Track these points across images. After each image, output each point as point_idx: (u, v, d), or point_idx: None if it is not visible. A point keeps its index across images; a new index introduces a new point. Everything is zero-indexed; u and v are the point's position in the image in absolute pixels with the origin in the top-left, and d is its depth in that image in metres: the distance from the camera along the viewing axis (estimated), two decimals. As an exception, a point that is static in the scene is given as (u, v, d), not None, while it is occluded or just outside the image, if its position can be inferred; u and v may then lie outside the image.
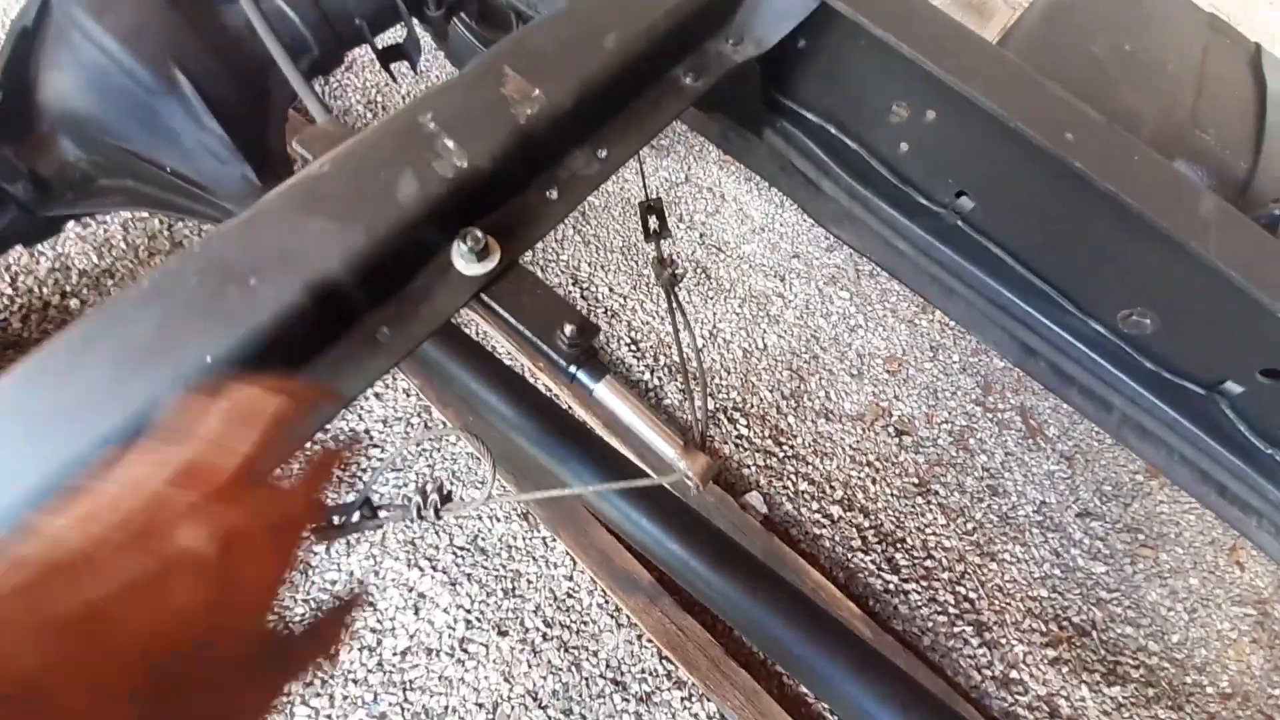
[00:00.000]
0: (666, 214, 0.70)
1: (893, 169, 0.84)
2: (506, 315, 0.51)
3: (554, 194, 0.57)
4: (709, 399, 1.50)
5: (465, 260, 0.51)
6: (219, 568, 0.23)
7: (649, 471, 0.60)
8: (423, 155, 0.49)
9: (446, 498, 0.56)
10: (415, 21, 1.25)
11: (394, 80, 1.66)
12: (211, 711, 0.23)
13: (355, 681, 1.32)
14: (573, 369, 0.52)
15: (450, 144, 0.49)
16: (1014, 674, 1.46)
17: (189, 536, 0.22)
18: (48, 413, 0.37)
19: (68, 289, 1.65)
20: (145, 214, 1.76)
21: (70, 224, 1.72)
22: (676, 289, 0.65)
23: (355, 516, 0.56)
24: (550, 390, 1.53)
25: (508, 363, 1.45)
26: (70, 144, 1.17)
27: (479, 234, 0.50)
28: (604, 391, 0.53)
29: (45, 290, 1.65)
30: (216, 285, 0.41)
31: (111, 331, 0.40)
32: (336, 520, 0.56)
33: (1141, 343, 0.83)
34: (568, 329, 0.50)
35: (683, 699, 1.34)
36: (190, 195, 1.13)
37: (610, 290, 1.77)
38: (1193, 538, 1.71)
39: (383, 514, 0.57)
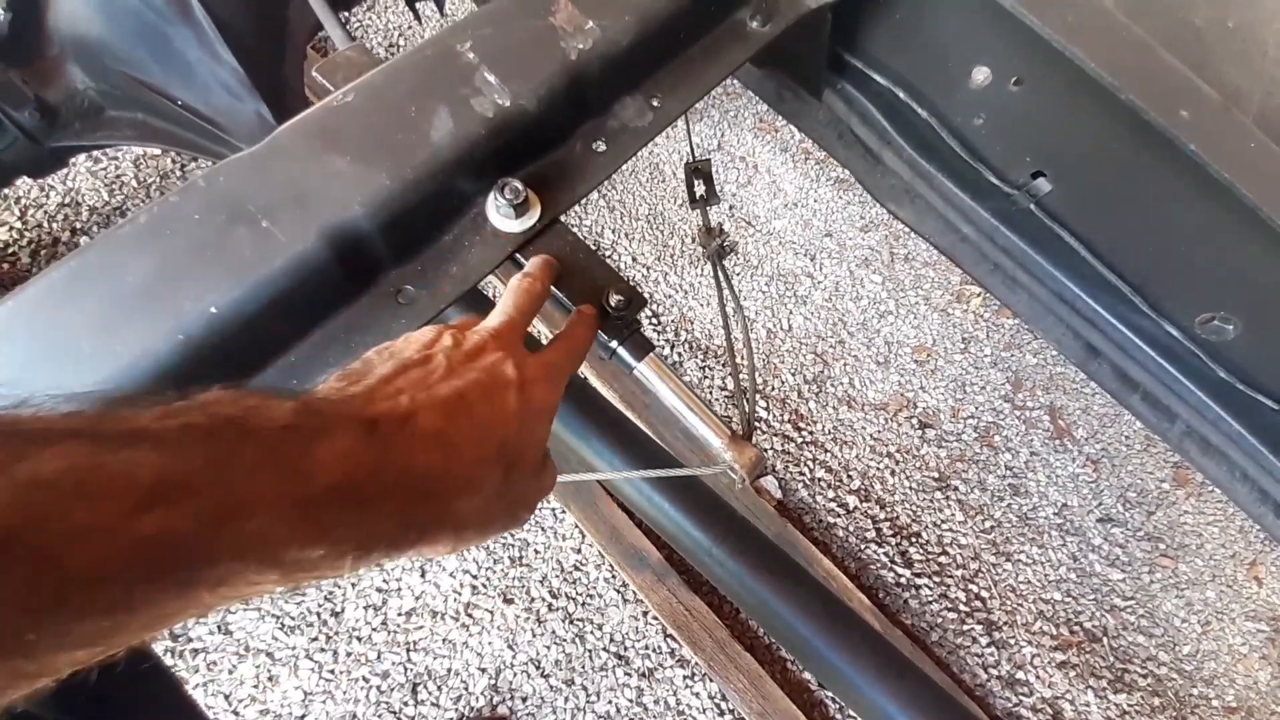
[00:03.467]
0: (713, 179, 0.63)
1: (964, 142, 0.76)
2: (544, 280, 0.46)
3: (601, 146, 0.50)
4: (755, 385, 1.45)
5: (502, 214, 0.45)
6: (519, 387, 0.33)
7: (682, 461, 0.55)
8: (460, 90, 0.42)
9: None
10: (445, -45, 1.16)
11: (418, 20, 1.56)
12: (526, 489, 0.35)
13: (359, 639, 1.32)
14: (614, 343, 0.47)
15: (491, 79, 0.43)
16: (1020, 675, 1.44)
17: (503, 364, 0.34)
18: (25, 363, 0.32)
19: (78, 225, 1.60)
20: (157, 151, 1.70)
21: (81, 159, 1.67)
22: (724, 261, 0.59)
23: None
24: (567, 359, 1.48)
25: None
26: (79, 71, 1.11)
27: (519, 185, 0.44)
28: (646, 370, 0.48)
29: (55, 226, 1.60)
30: (223, 225, 0.36)
31: (103, 272, 0.35)
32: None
33: (1218, 350, 0.76)
34: (613, 299, 0.45)
35: (685, 677, 1.33)
36: (202, 131, 1.07)
37: (634, 260, 1.70)
38: (1214, 550, 1.66)
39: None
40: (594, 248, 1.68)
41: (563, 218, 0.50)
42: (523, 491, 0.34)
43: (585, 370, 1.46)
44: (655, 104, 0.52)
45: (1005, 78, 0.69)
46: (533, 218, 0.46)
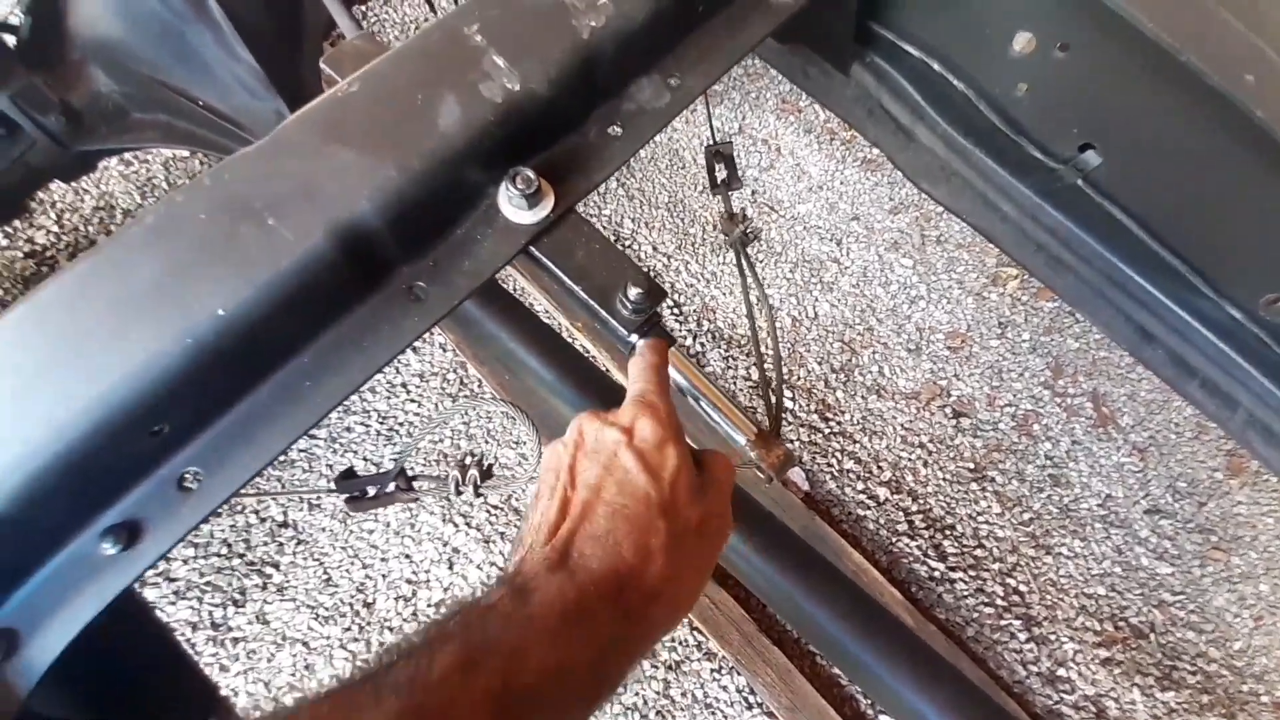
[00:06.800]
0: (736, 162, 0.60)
1: (1004, 115, 0.71)
2: (560, 273, 0.44)
3: (617, 130, 0.48)
4: (782, 379, 1.41)
5: (514, 206, 0.43)
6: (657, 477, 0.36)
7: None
8: (467, 75, 0.41)
9: (487, 473, 0.51)
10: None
11: (434, 11, 1.55)
12: (697, 545, 0.36)
13: (391, 630, 1.34)
14: (633, 338, 0.45)
15: (500, 62, 0.41)
16: (1061, 672, 1.39)
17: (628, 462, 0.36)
18: (36, 370, 0.32)
19: (113, 228, 1.64)
20: (186, 153, 1.73)
21: (113, 162, 1.71)
22: (748, 249, 0.56)
23: (390, 487, 0.51)
24: (588, 351, 1.47)
25: (545, 320, 1.39)
26: (102, 74, 1.12)
27: (530, 175, 0.42)
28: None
29: (91, 229, 1.65)
30: (229, 224, 0.35)
31: (112, 276, 0.34)
32: (371, 491, 0.51)
33: (1286, 333, 0.70)
34: (632, 292, 0.43)
35: (713, 670, 1.32)
36: (224, 131, 1.07)
37: (654, 249, 1.67)
38: (1269, 542, 1.57)
39: (418, 485, 0.52)
40: (613, 238, 1.66)
41: (580, 207, 0.48)
42: (695, 546, 0.34)
43: (608, 364, 1.45)
44: (673, 83, 0.50)
45: (1050, 43, 0.64)
46: (546, 208, 0.44)
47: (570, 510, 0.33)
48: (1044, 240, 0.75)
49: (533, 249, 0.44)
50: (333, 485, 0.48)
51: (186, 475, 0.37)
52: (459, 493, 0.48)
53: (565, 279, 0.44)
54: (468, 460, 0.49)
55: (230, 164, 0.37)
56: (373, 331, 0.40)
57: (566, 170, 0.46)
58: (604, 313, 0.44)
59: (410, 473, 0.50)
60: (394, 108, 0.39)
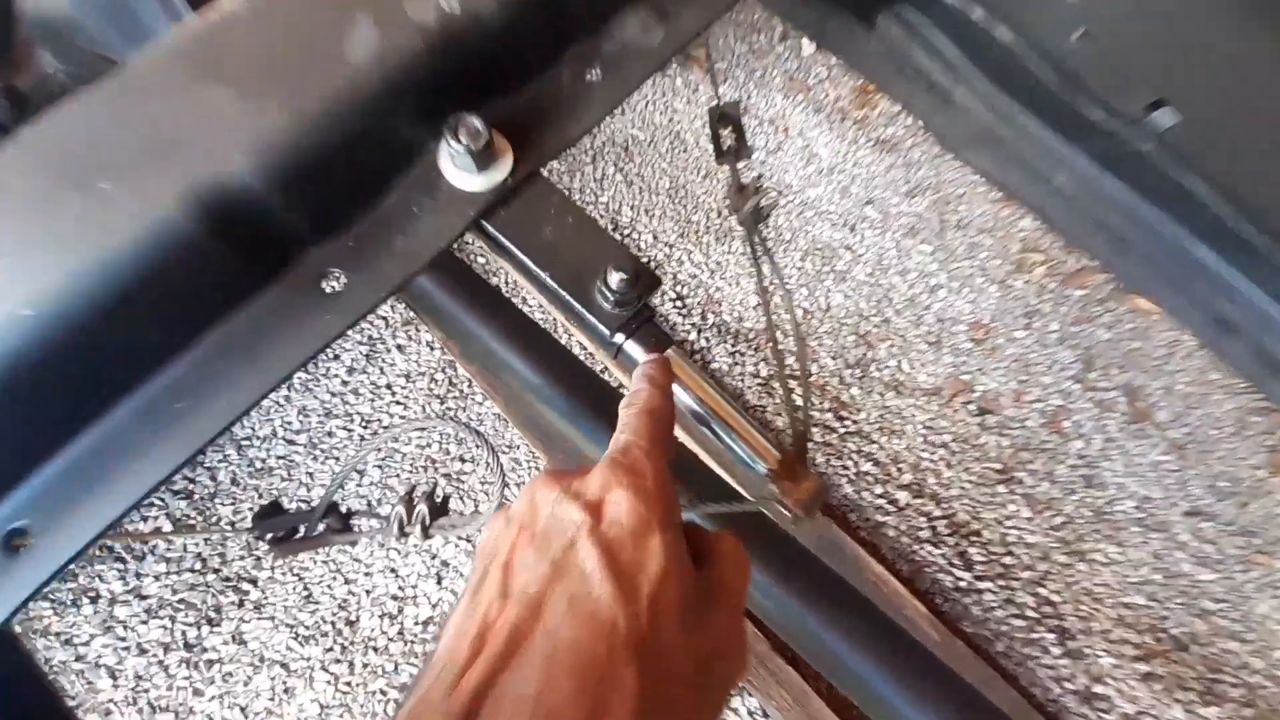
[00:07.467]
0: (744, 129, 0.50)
1: (1058, 69, 0.60)
2: (521, 255, 0.34)
3: (595, 75, 0.38)
4: (809, 385, 1.31)
5: (459, 167, 0.33)
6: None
7: (735, 486, 0.42)
8: (388, -9, 0.30)
9: (441, 508, 0.41)
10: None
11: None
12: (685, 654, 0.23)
13: (376, 650, 1.25)
14: (618, 337, 0.35)
15: (432, -27, 0.31)
16: (1098, 689, 1.29)
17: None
18: None
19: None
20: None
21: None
22: (761, 227, 0.46)
23: (320, 528, 0.41)
24: (584, 350, 1.37)
25: (537, 316, 1.29)
26: (49, 55, 1.03)
27: (478, 124, 0.32)
28: (662, 373, 0.35)
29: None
30: (45, 193, 0.25)
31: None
32: (301, 530, 0.42)
33: (1397, 320, 0.60)
34: (613, 278, 0.33)
35: (720, 691, 1.23)
36: (175, 112, 0.98)
37: (655, 238, 1.57)
38: (1316, 544, 1.46)
39: (355, 525, 0.42)
40: (612, 225, 1.55)
41: (576, 195, 0.37)
42: (686, 703, 0.22)
43: (607, 363, 1.35)
44: (667, 16, 0.39)
45: (1123, -26, 0.53)
46: (502, 171, 0.34)
47: (490, 639, 0.21)
48: (1104, 216, 0.64)
49: (485, 223, 0.34)
50: (250, 525, 0.39)
51: (15, 533, 0.27)
52: (404, 534, 0.39)
53: (528, 262, 0.34)
54: (416, 495, 0.39)
55: (57, 114, 0.27)
56: (269, 335, 0.30)
57: (530, 124, 0.36)
58: (579, 306, 0.34)
59: (345, 510, 0.40)
60: (287, 33, 0.29)
